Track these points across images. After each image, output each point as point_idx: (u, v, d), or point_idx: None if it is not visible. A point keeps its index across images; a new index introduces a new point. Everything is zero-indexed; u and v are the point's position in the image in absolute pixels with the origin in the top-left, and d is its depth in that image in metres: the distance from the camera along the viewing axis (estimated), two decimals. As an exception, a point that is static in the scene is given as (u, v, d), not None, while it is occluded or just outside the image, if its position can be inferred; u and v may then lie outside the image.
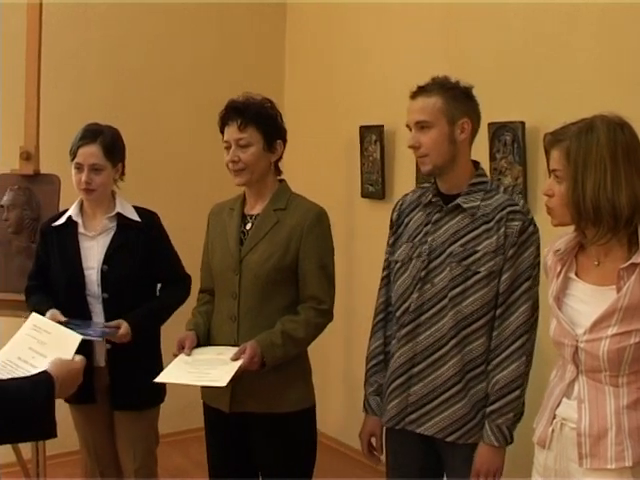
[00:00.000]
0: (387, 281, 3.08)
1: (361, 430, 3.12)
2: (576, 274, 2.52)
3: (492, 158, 4.13)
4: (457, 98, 2.85)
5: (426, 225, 2.92)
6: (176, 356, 3.09)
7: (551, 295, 2.55)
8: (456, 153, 2.86)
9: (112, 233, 3.49)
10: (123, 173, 3.59)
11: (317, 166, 5.57)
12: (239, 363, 2.94)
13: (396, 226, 3.06)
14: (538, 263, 2.84)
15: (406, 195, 3.11)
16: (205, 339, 3.20)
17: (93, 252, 3.48)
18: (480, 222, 2.82)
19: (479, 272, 2.80)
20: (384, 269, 3.11)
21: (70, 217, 3.53)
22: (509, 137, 4.06)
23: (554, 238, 2.63)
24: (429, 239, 2.88)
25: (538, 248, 2.84)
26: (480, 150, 3.98)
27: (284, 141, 3.25)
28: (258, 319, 3.10)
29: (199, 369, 2.99)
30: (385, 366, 3.03)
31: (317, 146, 5.59)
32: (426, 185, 3.01)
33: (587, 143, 2.34)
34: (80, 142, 3.43)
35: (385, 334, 3.06)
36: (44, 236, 3.59)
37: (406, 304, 2.91)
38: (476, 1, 4.34)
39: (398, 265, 2.97)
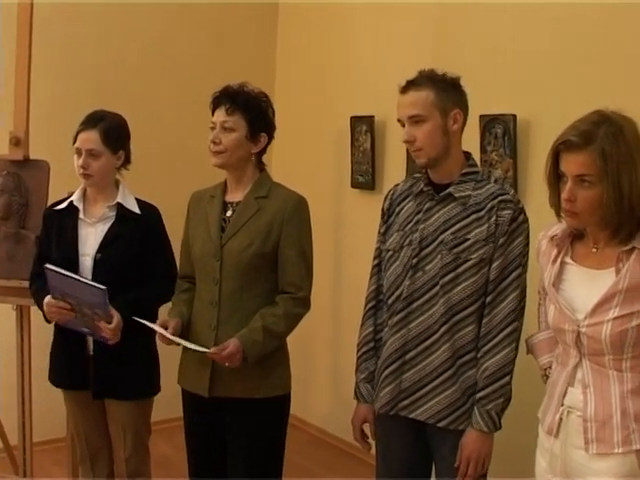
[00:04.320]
0: (378, 269, 3.10)
1: (353, 417, 3.13)
2: (572, 259, 2.53)
3: (483, 150, 4.13)
4: (447, 89, 2.86)
5: (417, 214, 2.93)
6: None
7: (547, 281, 2.56)
8: (449, 144, 2.87)
9: (110, 222, 3.49)
10: (128, 162, 3.58)
11: (308, 156, 5.57)
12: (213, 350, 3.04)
13: (387, 215, 3.08)
14: (527, 252, 2.86)
15: (397, 185, 3.13)
16: (188, 329, 3.26)
17: (90, 239, 3.47)
18: (471, 211, 2.84)
19: (470, 260, 2.82)
20: (375, 258, 3.12)
21: (72, 202, 3.54)
22: (500, 130, 4.06)
23: (543, 227, 2.64)
24: (420, 227, 2.90)
25: (527, 237, 2.86)
26: (471, 142, 3.99)
27: (269, 136, 3.29)
28: (238, 304, 3.16)
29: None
30: (376, 353, 3.05)
31: (308, 136, 5.59)
32: (417, 175, 3.02)
33: (618, 142, 2.32)
34: (81, 127, 3.46)
35: (376, 322, 3.08)
36: (46, 219, 3.60)
37: (398, 292, 2.93)
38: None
39: (389, 254, 2.99)
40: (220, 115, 3.20)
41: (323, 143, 5.47)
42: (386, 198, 3.11)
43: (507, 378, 2.81)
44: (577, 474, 2.46)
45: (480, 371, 2.83)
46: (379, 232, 3.11)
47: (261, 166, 3.32)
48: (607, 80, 3.63)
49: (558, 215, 2.50)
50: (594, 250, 2.48)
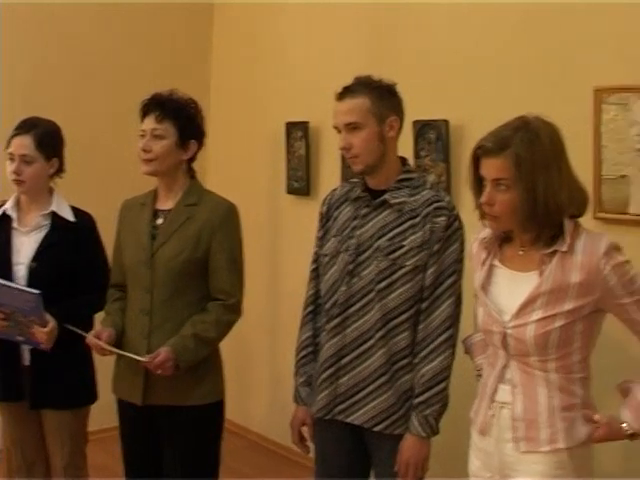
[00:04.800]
0: (316, 274, 3.11)
1: (292, 420, 3.14)
2: (500, 262, 2.58)
3: (417, 156, 4.17)
4: (383, 96, 2.88)
5: (354, 219, 2.95)
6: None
7: (476, 283, 2.61)
8: (385, 151, 2.89)
9: (45, 231, 3.45)
10: (61, 170, 3.55)
11: (244, 162, 5.57)
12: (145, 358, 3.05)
13: (325, 220, 3.09)
14: (462, 258, 2.89)
15: (335, 189, 3.15)
16: (121, 338, 3.25)
17: (24, 248, 3.43)
18: (407, 217, 2.86)
19: (405, 266, 2.83)
20: (313, 262, 3.13)
21: (5, 211, 3.50)
22: (433, 135, 4.10)
23: (477, 230, 2.68)
24: (357, 233, 2.91)
25: (462, 243, 2.88)
26: (405, 148, 4.03)
27: (199, 143, 3.31)
28: (170, 312, 3.17)
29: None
30: (315, 357, 3.06)
31: (243, 143, 5.59)
32: (354, 180, 3.04)
33: (533, 149, 2.37)
34: (15, 132, 3.42)
35: (315, 326, 3.09)
36: None
37: (334, 297, 2.94)
38: (401, 4, 4.38)
39: (327, 259, 3.00)
40: (150, 123, 3.21)
41: (259, 149, 5.47)
42: (324, 202, 3.13)
43: (444, 384, 2.84)
44: (510, 468, 2.50)
45: (417, 377, 2.84)
46: (317, 237, 3.12)
47: (191, 173, 3.33)
48: (537, 86, 3.70)
49: (482, 218, 2.54)
50: (520, 253, 2.52)
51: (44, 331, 3.24)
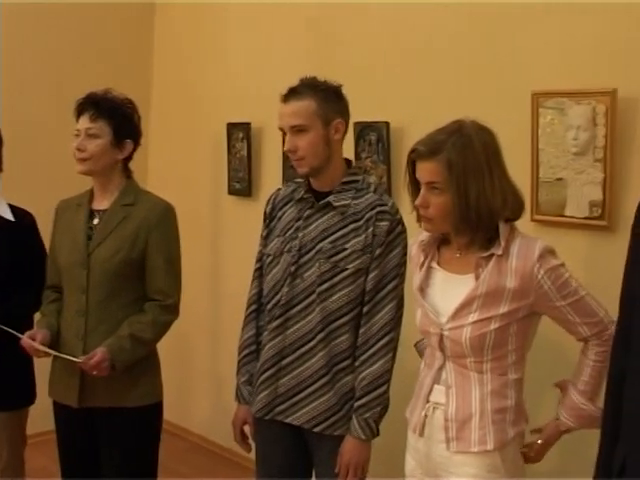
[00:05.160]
0: (259, 273, 3.11)
1: (234, 418, 3.14)
2: (438, 264, 2.61)
3: (357, 157, 4.19)
4: (329, 99, 2.88)
5: (297, 220, 2.95)
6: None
7: (415, 285, 2.63)
8: (331, 153, 2.89)
9: None
10: (0, 169, 3.51)
11: (185, 163, 5.54)
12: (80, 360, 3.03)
13: (269, 219, 3.08)
14: (404, 262, 2.90)
15: (280, 189, 3.15)
16: (57, 339, 3.22)
17: None
18: (350, 220, 2.87)
19: (346, 269, 2.84)
20: (257, 261, 3.13)
21: None
22: (374, 137, 4.13)
23: (417, 231, 2.71)
24: (300, 234, 2.91)
25: (405, 247, 2.89)
26: (346, 149, 4.04)
27: (135, 142, 3.29)
28: (106, 313, 3.15)
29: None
30: (257, 356, 3.06)
31: (185, 144, 5.56)
32: (299, 180, 3.03)
33: (466, 152, 2.40)
34: None
35: (257, 324, 3.09)
36: None
37: (277, 297, 2.94)
38: (342, 2, 4.40)
39: (270, 258, 3.00)
40: (84, 122, 3.19)
41: (200, 150, 5.45)
42: (268, 202, 3.12)
43: (384, 387, 2.85)
44: (441, 468, 2.53)
45: (358, 380, 2.86)
46: (261, 236, 3.12)
47: (128, 173, 3.31)
48: (476, 89, 3.74)
49: (418, 220, 2.57)
50: (458, 255, 2.56)
51: None
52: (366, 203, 2.87)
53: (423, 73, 4.00)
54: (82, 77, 5.09)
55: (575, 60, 3.39)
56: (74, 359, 3.04)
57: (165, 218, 3.22)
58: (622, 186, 3.22)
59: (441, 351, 2.54)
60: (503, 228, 2.46)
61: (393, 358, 2.89)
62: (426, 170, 2.45)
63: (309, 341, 2.88)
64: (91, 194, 3.28)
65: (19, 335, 3.15)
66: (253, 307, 3.12)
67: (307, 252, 2.89)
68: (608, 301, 2.42)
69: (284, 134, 2.92)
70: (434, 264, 2.62)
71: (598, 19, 3.31)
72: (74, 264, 3.18)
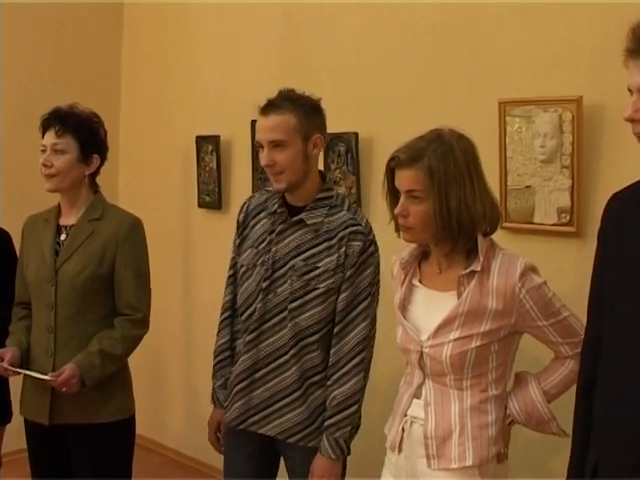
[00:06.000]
0: (233, 280, 3.09)
1: (209, 418, 3.14)
2: (420, 281, 2.57)
3: (327, 168, 4.19)
4: (309, 114, 2.84)
5: (270, 234, 2.93)
6: None
7: (396, 303, 2.60)
8: (308, 168, 2.87)
9: None
10: None
11: (155, 175, 5.52)
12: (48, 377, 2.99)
13: (242, 227, 3.05)
14: (377, 281, 2.88)
15: (252, 197, 3.12)
16: (27, 356, 3.19)
17: None
18: (323, 238, 2.84)
19: (318, 288, 2.82)
20: (230, 268, 3.11)
21: None
22: (343, 148, 4.13)
23: (387, 242, 2.70)
24: (273, 249, 2.89)
25: (377, 267, 2.88)
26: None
27: (102, 157, 3.28)
28: (75, 329, 3.13)
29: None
30: (232, 361, 3.05)
31: (153, 156, 5.54)
32: (271, 189, 2.98)
33: (446, 160, 2.38)
34: None
35: (232, 330, 3.08)
36: None
37: (250, 310, 2.93)
38: (313, 13, 4.39)
39: (243, 269, 2.99)
40: (50, 137, 3.17)
41: (169, 163, 5.43)
42: (241, 210, 3.09)
43: (355, 407, 2.83)
44: None
45: (329, 399, 2.84)
46: (234, 243, 3.09)
47: (95, 188, 3.29)
48: (444, 97, 3.75)
49: (397, 230, 2.54)
50: (438, 272, 2.52)
51: None
52: (339, 222, 2.85)
53: (391, 83, 4.01)
54: (49, 91, 5.04)
55: (541, 68, 3.41)
56: (43, 377, 3.01)
57: (133, 232, 3.21)
58: (590, 192, 3.24)
59: (421, 369, 2.51)
60: (482, 242, 2.43)
61: (365, 378, 2.87)
62: (406, 178, 2.42)
63: (282, 355, 2.87)
64: (58, 209, 3.26)
65: None
66: (227, 313, 3.11)
67: (280, 267, 2.87)
68: (578, 307, 2.43)
69: (260, 147, 2.87)
70: (415, 281, 2.58)
71: (563, 26, 3.33)
72: (42, 280, 3.16)
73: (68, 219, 3.23)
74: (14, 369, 3.08)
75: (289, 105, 2.81)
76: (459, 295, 2.44)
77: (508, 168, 3.45)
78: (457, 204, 2.38)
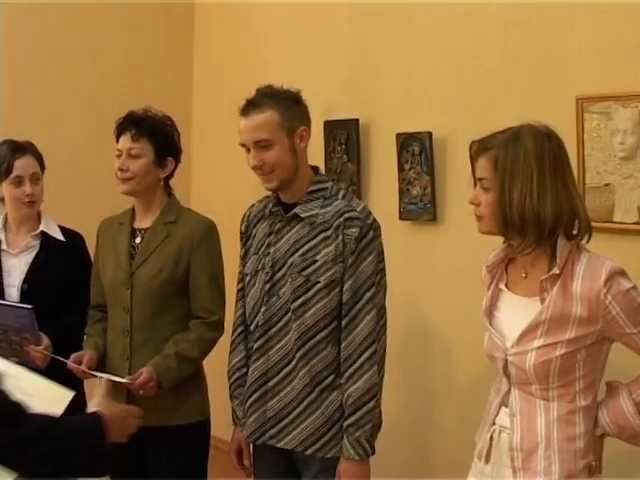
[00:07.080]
0: (242, 294, 3.03)
1: (230, 442, 3.07)
2: (506, 286, 2.51)
3: (400, 169, 4.15)
4: (290, 107, 2.80)
5: (269, 235, 2.88)
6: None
7: (483, 308, 2.54)
8: (298, 163, 2.82)
9: (35, 251, 3.46)
10: None
11: (226, 179, 5.49)
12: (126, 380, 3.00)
13: (245, 238, 3.02)
14: (382, 269, 2.81)
15: (252, 205, 3.08)
16: (103, 358, 3.23)
17: (15, 270, 3.44)
18: (319, 230, 2.78)
19: (319, 282, 2.75)
20: (239, 282, 3.06)
21: None
22: (417, 147, 4.09)
23: (462, 241, 2.64)
24: (271, 250, 2.85)
25: (380, 254, 2.80)
26: (389, 161, 4.04)
27: (176, 160, 3.29)
28: (150, 332, 3.15)
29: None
30: None
31: (227, 159, 5.53)
32: (270, 194, 2.96)
33: (514, 152, 2.32)
34: (18, 155, 3.42)
35: (246, 346, 2.99)
36: None
37: (257, 318, 2.87)
38: (383, 13, 4.36)
39: (248, 278, 2.94)
40: (125, 142, 3.18)
41: (243, 164, 5.40)
42: (243, 220, 3.06)
43: (372, 403, 2.75)
44: None
45: (344, 398, 2.76)
46: (239, 256, 3.05)
47: (169, 191, 3.31)
48: (520, 95, 3.68)
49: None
50: (523, 275, 2.45)
51: (39, 349, 3.22)
52: (334, 210, 2.78)
53: (466, 81, 3.95)
54: (122, 95, 5.08)
55: (618, 63, 3.33)
56: (120, 380, 3.02)
57: (207, 235, 3.21)
58: (672, 189, 3.16)
59: (506, 377, 2.44)
60: (563, 245, 2.33)
61: (379, 371, 2.78)
62: (478, 166, 2.41)
63: (291, 360, 2.80)
64: (133, 212, 3.29)
65: (64, 360, 3.14)
66: (240, 329, 3.04)
67: (280, 268, 2.82)
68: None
69: (247, 151, 2.83)
70: (502, 285, 2.52)
71: (639, 20, 3.25)
72: (118, 283, 3.18)
73: (143, 222, 3.25)
74: (92, 372, 3.10)
75: (269, 101, 2.78)
76: (542, 301, 2.36)
77: (586, 166, 3.37)
78: (520, 198, 2.30)
